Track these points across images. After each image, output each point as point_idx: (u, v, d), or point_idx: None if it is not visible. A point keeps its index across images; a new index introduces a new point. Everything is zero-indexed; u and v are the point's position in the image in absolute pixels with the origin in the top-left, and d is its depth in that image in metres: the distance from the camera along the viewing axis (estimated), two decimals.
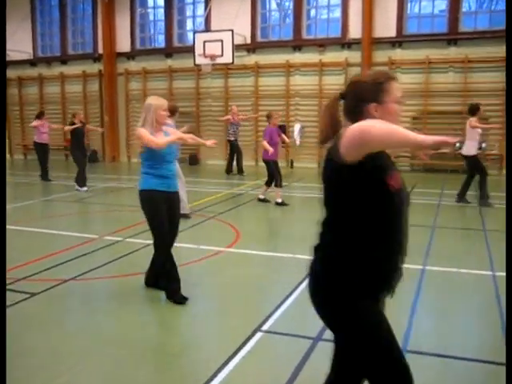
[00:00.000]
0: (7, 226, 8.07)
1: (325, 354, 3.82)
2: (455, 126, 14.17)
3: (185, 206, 8.22)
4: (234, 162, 14.85)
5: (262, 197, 10.07)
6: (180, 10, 18.34)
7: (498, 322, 4.29)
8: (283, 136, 10.23)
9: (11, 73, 19.82)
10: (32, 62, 20.13)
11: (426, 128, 14.80)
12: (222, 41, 15.34)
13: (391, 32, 15.22)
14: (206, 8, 17.14)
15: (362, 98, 2.22)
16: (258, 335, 4.11)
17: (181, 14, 18.36)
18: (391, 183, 2.14)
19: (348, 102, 2.27)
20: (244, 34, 16.54)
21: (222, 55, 15.39)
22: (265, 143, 9.57)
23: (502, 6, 14.13)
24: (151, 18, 18.99)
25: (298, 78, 16.46)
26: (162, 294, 5.08)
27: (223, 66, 16.50)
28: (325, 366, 3.67)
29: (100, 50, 18.72)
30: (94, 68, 19.11)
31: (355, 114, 2.23)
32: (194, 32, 16.48)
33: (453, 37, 14.67)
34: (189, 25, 18.44)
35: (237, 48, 15.73)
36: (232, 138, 14.68)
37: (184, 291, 5.02)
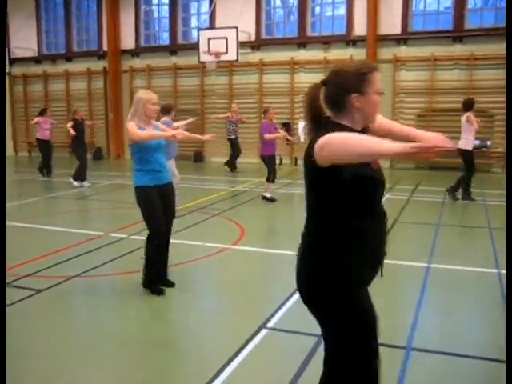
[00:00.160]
0: (12, 223, 8.14)
1: None
2: (460, 124, 14.15)
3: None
4: (239, 159, 14.88)
5: (268, 195, 10.08)
6: (184, 7, 18.33)
7: (502, 320, 4.27)
8: (280, 131, 10.36)
9: (16, 70, 19.88)
10: (37, 60, 20.16)
11: (431, 125, 14.77)
12: (226, 38, 15.33)
13: (396, 29, 15.18)
14: (210, 5, 17.13)
15: (344, 87, 2.22)
16: (263, 332, 4.11)
17: (185, 12, 18.35)
18: (372, 165, 2.20)
19: (329, 91, 2.26)
20: (248, 31, 16.53)
21: (226, 52, 15.38)
22: (269, 135, 9.58)
23: None
24: (156, 15, 18.99)
25: (302, 76, 16.42)
26: (167, 292, 5.08)
27: (228, 64, 16.49)
28: None
29: (105, 48, 18.74)
30: (98, 65, 19.12)
31: (336, 104, 2.24)
32: (199, 29, 16.48)
33: (458, 34, 14.62)
34: (193, 22, 18.44)
35: (241, 45, 15.72)
36: (232, 136, 14.71)
37: (189, 288, 5.03)
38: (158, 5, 18.73)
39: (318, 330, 4.02)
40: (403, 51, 15.28)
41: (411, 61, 15.16)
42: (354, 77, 2.21)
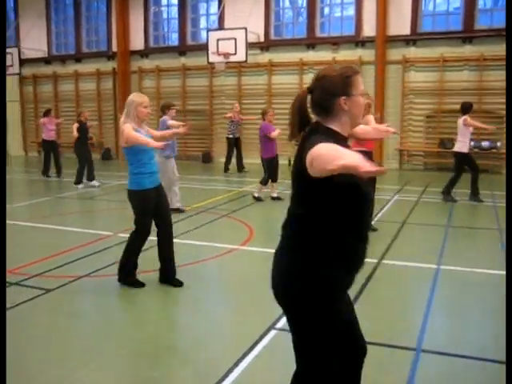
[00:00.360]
0: (22, 223, 8.20)
1: None
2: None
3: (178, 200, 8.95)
4: (234, 160, 14.92)
5: (274, 195, 10.08)
6: (194, 8, 18.36)
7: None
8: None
9: (26, 71, 19.98)
10: (47, 60, 20.27)
11: (440, 126, 14.73)
12: (235, 39, 15.33)
13: (405, 30, 15.12)
14: (219, 6, 17.15)
15: (331, 91, 2.26)
16: (272, 333, 4.11)
17: (194, 12, 18.38)
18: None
19: (317, 96, 2.29)
20: (257, 32, 16.53)
21: (235, 53, 15.38)
22: (273, 133, 9.57)
23: None
24: (165, 16, 19.03)
25: (311, 77, 15.86)
26: (176, 292, 5.10)
27: (236, 64, 16.50)
28: None
29: (114, 48, 18.80)
30: (107, 66, 19.19)
31: (324, 108, 2.28)
32: (208, 30, 16.48)
33: (468, 35, 14.53)
34: (202, 23, 18.46)
35: (250, 46, 15.71)
36: (230, 136, 14.79)
37: (198, 288, 5.03)
38: (167, 6, 18.78)
39: None
40: (412, 52, 15.22)
41: (420, 62, 15.10)
42: (339, 80, 2.26)
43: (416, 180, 12.97)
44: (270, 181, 9.98)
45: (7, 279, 5.33)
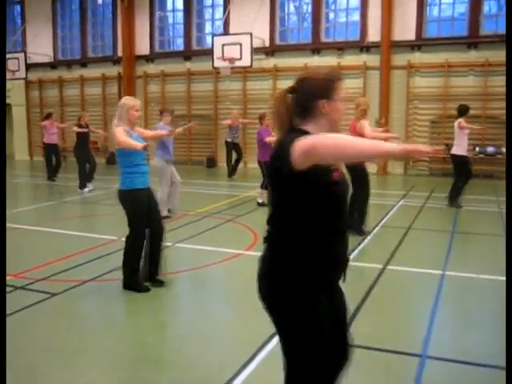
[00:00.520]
0: (28, 227, 8.22)
1: None
2: (475, 131, 14.05)
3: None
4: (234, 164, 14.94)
5: (260, 201, 9.98)
6: (199, 13, 18.43)
7: None
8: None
9: (32, 75, 20.06)
10: (52, 65, 20.37)
11: (445, 132, 14.70)
12: (240, 44, 15.36)
13: (410, 35, 15.13)
14: (224, 11, 17.21)
15: (313, 93, 2.31)
16: (277, 338, 4.08)
17: (200, 18, 18.44)
18: (334, 174, 2.25)
19: (299, 97, 2.35)
20: (262, 37, 16.57)
21: (240, 58, 15.41)
22: (270, 138, 9.58)
23: None
24: (170, 21, 19.10)
25: None
26: (180, 297, 5.10)
27: (242, 69, 16.52)
28: (345, 370, 3.66)
29: (119, 53, 18.87)
30: (113, 71, 19.26)
31: (304, 109, 2.33)
32: (213, 35, 16.53)
33: (473, 40, 14.54)
34: (207, 28, 18.52)
35: (255, 51, 15.74)
36: (228, 139, 14.82)
37: (202, 293, 5.03)
38: (173, 11, 18.85)
39: None
40: (417, 57, 15.22)
41: (425, 67, 15.10)
42: (322, 83, 2.32)
43: (421, 185, 12.95)
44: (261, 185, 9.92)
45: (13, 283, 5.35)
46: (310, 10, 16.72)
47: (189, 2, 17.92)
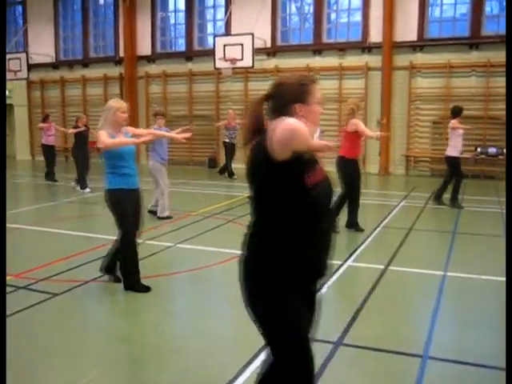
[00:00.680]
0: (30, 227, 8.23)
1: (346, 358, 3.83)
2: (476, 131, 14.07)
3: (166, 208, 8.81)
4: (233, 164, 14.92)
5: None
6: (200, 13, 18.44)
7: None
8: None
9: (34, 75, 20.09)
10: (54, 65, 20.39)
11: (447, 133, 14.63)
12: (242, 44, 15.36)
13: (412, 36, 15.12)
14: (226, 12, 17.21)
15: (288, 98, 2.37)
16: None
17: (201, 18, 18.45)
18: (310, 178, 2.28)
19: (274, 102, 2.40)
20: (264, 37, 16.57)
21: (242, 59, 15.41)
22: None
23: None
24: (172, 21, 19.12)
25: (318, 82, 16.37)
26: (182, 297, 5.10)
27: (243, 70, 16.53)
28: (346, 371, 3.67)
29: (121, 53, 18.90)
30: (115, 71, 19.28)
31: (281, 113, 2.35)
32: (215, 36, 16.54)
33: (475, 41, 14.54)
34: (209, 28, 18.54)
35: (257, 52, 15.74)
36: (227, 140, 14.82)
37: (203, 294, 5.03)
38: (175, 11, 18.86)
39: (333, 337, 4.04)
40: (419, 58, 15.21)
41: (427, 68, 15.09)
42: (296, 88, 2.38)
43: (422, 186, 12.94)
44: None
45: (15, 283, 5.35)
46: (311, 10, 16.72)
47: (190, 2, 17.94)
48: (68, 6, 20.39)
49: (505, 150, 13.97)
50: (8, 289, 5.04)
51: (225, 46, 15.55)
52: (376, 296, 5.09)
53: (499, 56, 13.93)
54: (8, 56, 18.46)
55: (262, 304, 2.41)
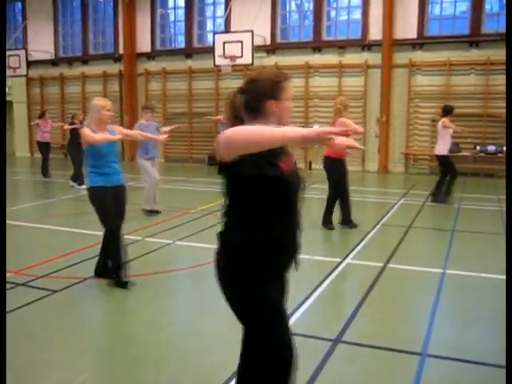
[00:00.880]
0: (29, 224, 8.22)
1: (345, 356, 3.83)
2: (476, 129, 14.07)
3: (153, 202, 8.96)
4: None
5: None
6: (200, 10, 18.41)
7: None
8: None
9: (33, 72, 20.06)
10: (54, 62, 20.37)
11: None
12: (241, 42, 15.33)
13: (412, 34, 15.11)
14: (226, 9, 17.19)
15: (262, 94, 2.42)
16: None
17: (201, 15, 18.43)
18: (283, 167, 2.35)
19: (248, 98, 2.44)
20: (264, 35, 16.55)
21: (241, 56, 15.39)
22: None
23: None
24: (171, 18, 19.10)
25: (317, 80, 16.42)
26: (181, 295, 5.09)
27: (243, 67, 16.49)
28: (345, 369, 3.67)
29: (120, 50, 18.87)
30: (114, 68, 19.26)
31: (254, 109, 2.43)
32: (214, 33, 16.51)
33: (474, 38, 14.53)
34: (209, 26, 18.51)
35: (256, 49, 15.72)
36: None
37: (204, 291, 5.02)
38: (174, 8, 18.84)
39: (333, 334, 4.05)
40: (419, 56, 15.20)
41: (427, 65, 15.08)
42: (270, 84, 2.42)
43: (422, 184, 12.94)
44: None
45: (14, 280, 5.35)
46: (311, 7, 16.70)
47: None
48: (67, 3, 20.36)
49: (504, 148, 13.98)
50: (7, 285, 5.04)
51: (224, 43, 15.52)
52: (375, 294, 5.09)
53: (499, 54, 13.93)
54: (7, 53, 18.41)
55: (239, 299, 2.56)
